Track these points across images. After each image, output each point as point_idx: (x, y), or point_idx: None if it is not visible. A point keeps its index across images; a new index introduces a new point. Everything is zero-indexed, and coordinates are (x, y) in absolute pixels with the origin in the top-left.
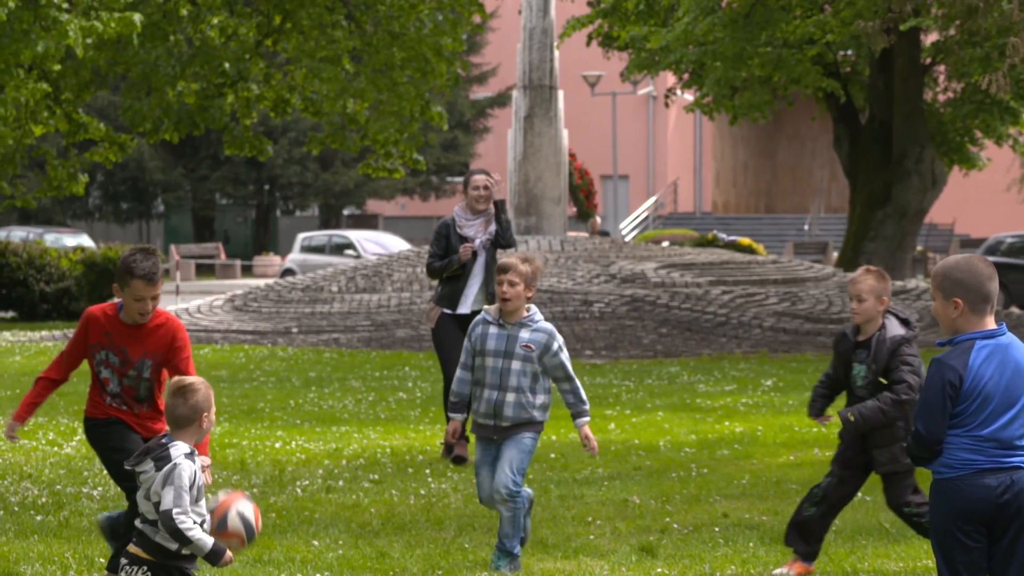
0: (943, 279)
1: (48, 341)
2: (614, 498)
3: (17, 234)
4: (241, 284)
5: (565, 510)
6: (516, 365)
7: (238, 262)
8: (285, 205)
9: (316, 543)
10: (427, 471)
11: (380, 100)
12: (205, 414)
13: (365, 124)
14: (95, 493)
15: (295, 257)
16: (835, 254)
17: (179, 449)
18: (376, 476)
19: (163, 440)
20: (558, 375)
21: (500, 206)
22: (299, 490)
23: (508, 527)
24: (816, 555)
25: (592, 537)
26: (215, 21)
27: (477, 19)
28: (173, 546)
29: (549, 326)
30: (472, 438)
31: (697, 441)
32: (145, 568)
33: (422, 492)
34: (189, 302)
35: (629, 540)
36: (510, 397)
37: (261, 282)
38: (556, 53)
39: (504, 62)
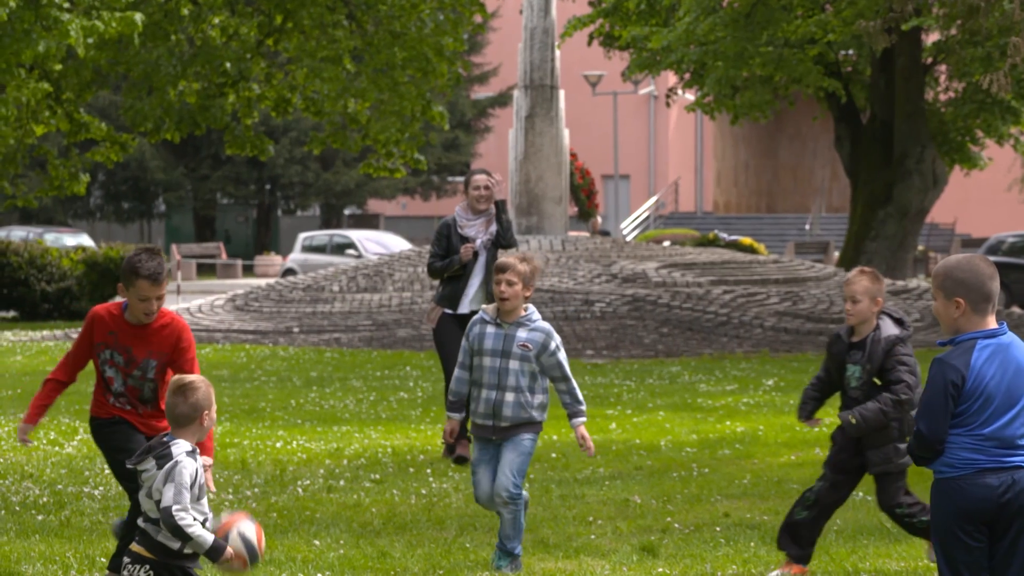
0: (944, 279)
1: (49, 341)
2: (615, 498)
3: (17, 234)
4: (242, 284)
5: (566, 510)
6: (514, 364)
7: (239, 262)
8: (286, 205)
9: (317, 543)
10: (428, 471)
11: (381, 100)
12: (206, 412)
13: (366, 124)
14: (96, 493)
15: (296, 257)
16: (836, 254)
17: (181, 447)
18: (377, 476)
19: (165, 439)
20: (555, 375)
21: (501, 206)
22: (300, 490)
23: (509, 528)
24: (809, 558)
25: (593, 537)
26: (216, 21)
27: (478, 19)
28: (175, 545)
29: (547, 325)
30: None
31: (698, 441)
32: (147, 567)
33: (423, 492)
34: (190, 302)
35: (630, 540)
36: (509, 397)
37: (262, 282)
38: (557, 53)
39: (505, 62)
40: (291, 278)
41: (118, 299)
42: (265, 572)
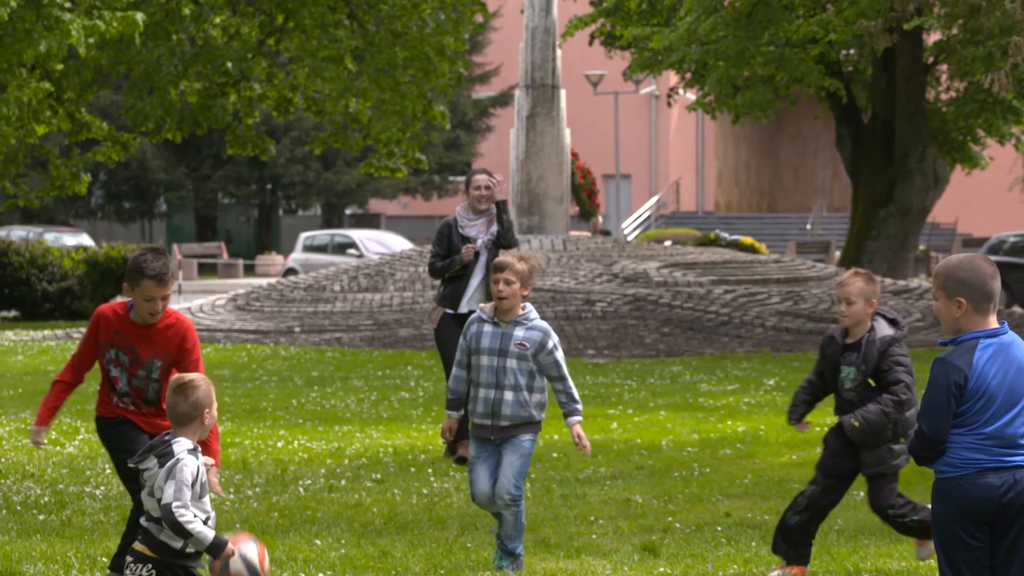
0: (946, 278)
1: (50, 340)
2: (616, 497)
3: (17, 233)
4: (243, 283)
5: (567, 509)
6: (512, 363)
7: (240, 261)
8: (287, 204)
9: (318, 542)
10: (429, 470)
11: (382, 99)
12: (206, 411)
13: (367, 123)
14: (97, 492)
15: (297, 256)
16: (837, 253)
17: (182, 445)
18: (378, 475)
19: (166, 437)
20: (552, 374)
21: (502, 206)
22: (301, 489)
23: (510, 529)
24: (808, 557)
25: (594, 536)
26: (217, 20)
27: (479, 18)
28: (178, 544)
29: (544, 324)
30: None
31: (699, 440)
32: (150, 566)
33: (424, 492)
34: (191, 301)
35: (631, 539)
36: (508, 396)
37: (263, 281)
38: (558, 52)
39: (506, 61)
40: (292, 278)
41: (121, 298)
42: None
